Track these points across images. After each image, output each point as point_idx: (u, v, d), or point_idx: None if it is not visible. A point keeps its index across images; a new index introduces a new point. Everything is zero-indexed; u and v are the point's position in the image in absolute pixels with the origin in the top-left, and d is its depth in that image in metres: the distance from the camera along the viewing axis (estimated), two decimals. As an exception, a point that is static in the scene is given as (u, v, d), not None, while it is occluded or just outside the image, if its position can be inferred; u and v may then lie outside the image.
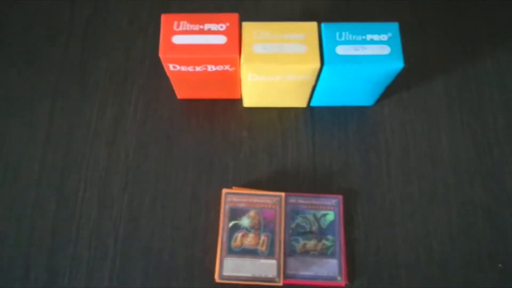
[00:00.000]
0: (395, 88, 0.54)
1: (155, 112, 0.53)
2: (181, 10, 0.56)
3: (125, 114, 0.52)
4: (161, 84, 0.53)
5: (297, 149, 0.52)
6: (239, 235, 0.46)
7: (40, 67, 0.54)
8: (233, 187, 0.49)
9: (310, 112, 0.53)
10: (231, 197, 0.48)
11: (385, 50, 0.42)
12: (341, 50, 0.42)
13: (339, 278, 0.45)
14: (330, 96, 0.50)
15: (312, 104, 0.52)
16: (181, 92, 0.52)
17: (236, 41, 0.43)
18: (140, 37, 0.56)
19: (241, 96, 0.52)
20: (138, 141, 0.51)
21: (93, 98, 0.53)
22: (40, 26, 0.56)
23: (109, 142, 0.51)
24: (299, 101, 0.51)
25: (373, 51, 0.42)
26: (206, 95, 0.52)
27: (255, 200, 0.48)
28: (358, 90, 0.48)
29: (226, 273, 0.45)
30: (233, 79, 0.47)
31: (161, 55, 0.43)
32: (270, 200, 0.48)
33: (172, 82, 0.48)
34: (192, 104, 0.53)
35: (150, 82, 0.54)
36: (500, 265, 0.47)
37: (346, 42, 0.42)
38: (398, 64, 0.42)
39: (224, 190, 0.48)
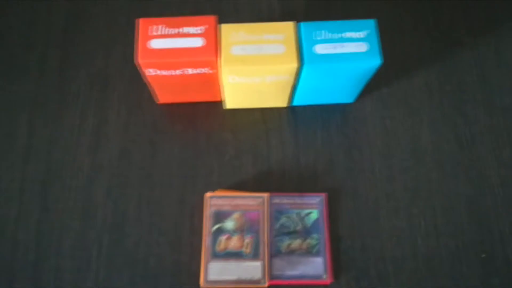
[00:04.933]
0: (376, 84, 0.54)
1: (137, 118, 0.52)
2: (159, 13, 0.56)
3: (107, 121, 0.52)
4: (142, 89, 0.53)
5: (281, 149, 0.51)
6: (223, 238, 0.46)
7: (17, 77, 0.53)
8: (218, 190, 0.49)
9: (293, 112, 0.53)
10: (215, 200, 0.48)
11: (362, 47, 0.42)
12: (319, 49, 0.42)
13: (324, 276, 0.45)
14: (311, 95, 0.50)
15: (293, 103, 0.52)
16: (162, 97, 0.51)
17: (214, 43, 0.43)
18: (119, 42, 0.55)
19: (222, 98, 0.52)
20: (121, 148, 0.51)
21: (74, 106, 0.52)
22: (16, 34, 0.55)
23: (92, 150, 0.51)
24: (280, 101, 0.51)
25: (351, 49, 0.42)
26: (187, 98, 0.52)
27: (239, 202, 0.48)
28: (338, 88, 0.48)
29: (211, 278, 0.45)
30: (213, 81, 0.47)
31: (138, 60, 0.42)
32: (254, 201, 0.48)
33: (152, 87, 0.48)
34: (173, 108, 0.53)
35: (131, 88, 0.53)
36: (483, 255, 0.47)
37: (325, 41, 0.42)
38: (375, 61, 0.42)
39: (207, 194, 0.47)
